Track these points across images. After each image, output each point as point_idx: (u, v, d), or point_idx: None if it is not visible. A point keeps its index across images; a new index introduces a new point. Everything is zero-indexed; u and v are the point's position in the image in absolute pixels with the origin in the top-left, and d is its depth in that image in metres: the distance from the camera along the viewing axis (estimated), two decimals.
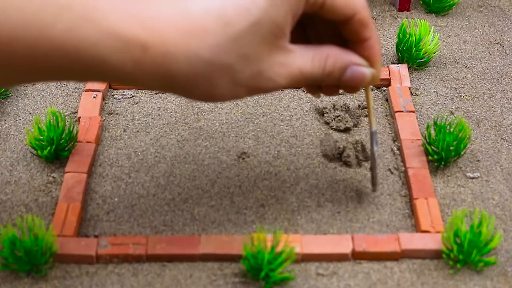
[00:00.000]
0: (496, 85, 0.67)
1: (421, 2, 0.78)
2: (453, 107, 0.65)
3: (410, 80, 0.67)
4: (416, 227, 0.53)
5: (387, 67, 0.67)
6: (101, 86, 0.65)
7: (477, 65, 0.70)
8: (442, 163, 0.57)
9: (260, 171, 0.58)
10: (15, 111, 0.64)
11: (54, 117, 0.58)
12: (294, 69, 0.43)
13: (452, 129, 0.57)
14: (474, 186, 0.57)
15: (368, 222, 0.53)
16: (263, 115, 0.63)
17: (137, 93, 0.66)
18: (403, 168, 0.58)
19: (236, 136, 0.61)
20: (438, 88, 0.67)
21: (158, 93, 0.66)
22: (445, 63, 0.70)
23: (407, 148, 0.58)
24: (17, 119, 0.63)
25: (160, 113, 0.64)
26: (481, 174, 0.58)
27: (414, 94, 0.66)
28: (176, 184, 0.57)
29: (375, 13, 0.77)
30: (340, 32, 0.46)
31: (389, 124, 0.63)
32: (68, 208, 0.53)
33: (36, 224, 0.48)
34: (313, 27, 0.48)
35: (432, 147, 0.57)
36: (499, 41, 0.73)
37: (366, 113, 0.63)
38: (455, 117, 0.63)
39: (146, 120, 0.63)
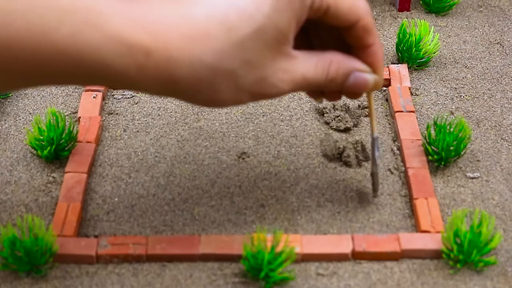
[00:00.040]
0: (496, 85, 0.67)
1: (421, 2, 0.78)
2: (453, 107, 0.65)
3: (410, 80, 0.67)
4: (416, 227, 0.53)
5: (387, 67, 0.67)
6: (101, 86, 0.65)
7: (477, 65, 0.70)
8: (442, 163, 0.57)
9: (260, 171, 0.58)
10: (15, 111, 0.64)
11: (54, 117, 0.58)
12: (298, 75, 0.43)
13: (452, 129, 0.57)
14: (474, 186, 0.57)
15: (368, 222, 0.53)
16: (263, 115, 0.63)
17: (137, 93, 0.66)
18: (403, 168, 0.58)
19: (236, 136, 0.61)
20: (438, 88, 0.67)
21: None
22: (445, 63, 0.70)
23: (407, 148, 0.58)
24: (17, 119, 0.63)
25: (160, 113, 0.64)
26: (481, 174, 0.58)
27: (414, 94, 0.66)
28: (176, 184, 0.57)
29: (375, 13, 0.77)
30: (343, 38, 0.46)
31: (389, 124, 0.63)
32: (68, 208, 0.53)
33: (36, 224, 0.48)
34: (316, 33, 0.48)
35: (432, 147, 0.57)
36: (499, 41, 0.73)
37: (366, 113, 0.63)
38: (455, 117, 0.63)
39: (146, 120, 0.63)
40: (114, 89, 0.66)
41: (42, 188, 0.56)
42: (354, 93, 0.48)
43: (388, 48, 0.71)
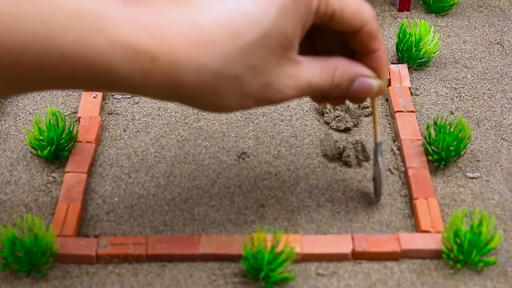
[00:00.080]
0: (496, 85, 0.67)
1: (421, 2, 0.78)
2: (453, 107, 0.65)
3: (410, 80, 0.67)
4: (416, 227, 0.53)
5: None
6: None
7: (477, 65, 0.70)
8: (442, 163, 0.57)
9: (260, 171, 0.58)
10: (15, 111, 0.64)
11: (54, 117, 0.58)
12: (303, 81, 0.43)
13: (452, 129, 0.57)
14: (474, 186, 0.57)
15: (368, 222, 0.53)
16: (263, 115, 0.63)
17: None
18: (403, 168, 0.58)
19: (236, 136, 0.61)
20: (438, 88, 0.67)
21: None
22: (445, 63, 0.70)
23: (407, 148, 0.58)
24: (17, 119, 0.63)
25: (160, 113, 0.64)
26: (481, 174, 0.58)
27: (414, 94, 0.66)
28: (176, 184, 0.57)
29: (375, 13, 0.77)
30: (347, 43, 0.46)
31: (389, 124, 0.63)
32: (68, 208, 0.53)
33: (36, 224, 0.48)
34: (320, 38, 0.48)
35: (432, 147, 0.57)
36: (499, 41, 0.73)
37: (366, 113, 0.63)
38: (455, 117, 0.63)
39: (146, 120, 0.63)
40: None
41: (42, 188, 0.56)
42: (358, 98, 0.48)
43: (388, 48, 0.71)
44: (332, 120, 0.62)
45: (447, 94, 0.66)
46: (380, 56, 0.46)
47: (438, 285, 0.49)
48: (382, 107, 0.65)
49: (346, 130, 0.62)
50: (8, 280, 0.49)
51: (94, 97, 0.63)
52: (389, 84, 0.66)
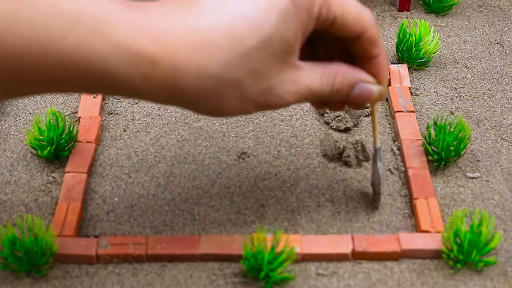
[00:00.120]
0: (496, 85, 0.67)
1: (421, 2, 0.78)
2: (453, 107, 0.65)
3: (410, 80, 0.67)
4: (416, 227, 0.53)
5: None
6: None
7: (477, 65, 0.70)
8: (442, 163, 0.57)
9: (260, 171, 0.58)
10: (15, 111, 0.64)
11: (54, 117, 0.58)
12: (303, 86, 0.43)
13: (452, 129, 0.57)
14: (474, 186, 0.57)
15: (368, 222, 0.53)
16: (263, 115, 0.63)
17: None
18: (403, 168, 0.58)
19: (236, 136, 0.61)
20: (438, 88, 0.67)
21: None
22: (445, 63, 0.70)
23: (407, 148, 0.58)
24: (17, 119, 0.63)
25: (160, 113, 0.64)
26: (481, 174, 0.58)
27: (414, 94, 0.66)
28: (176, 184, 0.57)
29: (375, 13, 0.77)
30: (348, 48, 0.46)
31: (389, 124, 0.63)
32: (68, 208, 0.53)
33: (36, 224, 0.48)
34: (321, 43, 0.48)
35: (432, 147, 0.57)
36: (499, 41, 0.73)
37: (366, 113, 0.63)
38: (455, 117, 0.63)
39: (146, 120, 0.63)
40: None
41: (42, 188, 0.56)
42: (358, 104, 0.48)
43: (388, 48, 0.71)
44: (332, 120, 0.62)
45: (447, 94, 0.66)
46: (380, 62, 0.46)
47: (438, 285, 0.49)
48: (382, 107, 0.65)
49: (346, 130, 0.62)
50: (8, 280, 0.49)
51: (94, 97, 0.63)
52: (389, 84, 0.66)
